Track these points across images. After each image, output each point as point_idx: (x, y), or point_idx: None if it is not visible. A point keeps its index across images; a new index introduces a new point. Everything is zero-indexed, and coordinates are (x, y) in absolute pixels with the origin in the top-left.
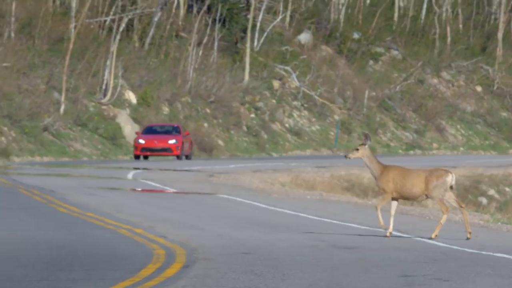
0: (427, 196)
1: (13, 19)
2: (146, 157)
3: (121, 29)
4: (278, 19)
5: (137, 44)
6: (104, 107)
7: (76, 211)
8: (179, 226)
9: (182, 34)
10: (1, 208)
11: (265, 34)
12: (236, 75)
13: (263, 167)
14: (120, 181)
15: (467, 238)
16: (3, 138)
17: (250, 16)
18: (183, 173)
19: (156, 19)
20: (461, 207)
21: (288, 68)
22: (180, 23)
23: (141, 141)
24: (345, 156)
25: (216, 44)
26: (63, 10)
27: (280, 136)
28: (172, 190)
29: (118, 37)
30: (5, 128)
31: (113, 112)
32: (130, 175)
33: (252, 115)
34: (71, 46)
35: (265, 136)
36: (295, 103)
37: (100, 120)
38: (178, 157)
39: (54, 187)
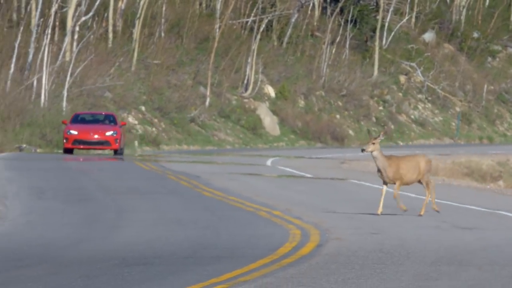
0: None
1: (163, 20)
2: (70, 151)
3: (261, 29)
4: (405, 20)
5: (275, 43)
6: (245, 100)
7: (220, 194)
8: (313, 209)
9: (317, 33)
10: (152, 192)
11: (392, 33)
12: (366, 71)
13: None
14: (259, 168)
15: (419, 215)
16: (154, 129)
17: (379, 17)
18: (317, 160)
19: (293, 20)
20: (429, 189)
21: (413, 64)
22: (315, 23)
23: (73, 131)
24: (362, 150)
25: (347, 42)
26: (209, 12)
27: (406, 126)
28: (307, 175)
29: (258, 36)
30: (156, 120)
31: (254, 105)
32: (269, 162)
33: (380, 107)
34: (215, 44)
35: (392, 126)
36: (419, 96)
37: (241, 112)
38: (116, 151)
39: (199, 173)
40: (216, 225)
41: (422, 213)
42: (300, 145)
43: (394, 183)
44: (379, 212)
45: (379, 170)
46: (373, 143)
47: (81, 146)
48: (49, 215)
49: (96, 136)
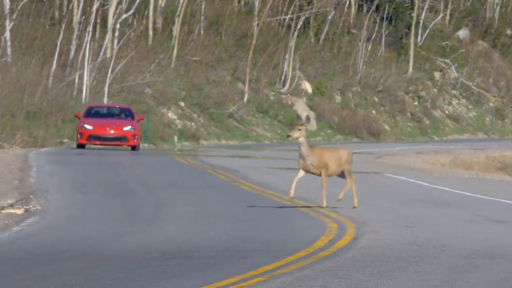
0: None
1: (202, 17)
2: (84, 147)
3: (298, 26)
4: (439, 17)
5: (312, 40)
6: (283, 96)
7: (257, 188)
8: (350, 202)
9: (353, 30)
10: (191, 187)
11: (427, 30)
12: (401, 67)
13: (425, 149)
14: (296, 162)
15: (354, 207)
16: (193, 124)
17: (414, 14)
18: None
19: (330, 17)
20: (351, 178)
21: (447, 60)
22: (351, 21)
23: (88, 126)
24: (287, 136)
25: (383, 39)
26: (247, 9)
27: (440, 121)
28: None
29: (296, 33)
30: (195, 115)
31: (291, 100)
32: None
33: (416, 103)
34: (254, 41)
35: (427, 122)
36: (454, 92)
37: (279, 107)
38: (134, 148)
39: (238, 167)
40: (254, 219)
41: (340, 197)
42: (336, 140)
43: (316, 173)
44: (291, 195)
45: (301, 157)
46: (299, 129)
47: (97, 142)
48: (89, 209)
49: (112, 132)
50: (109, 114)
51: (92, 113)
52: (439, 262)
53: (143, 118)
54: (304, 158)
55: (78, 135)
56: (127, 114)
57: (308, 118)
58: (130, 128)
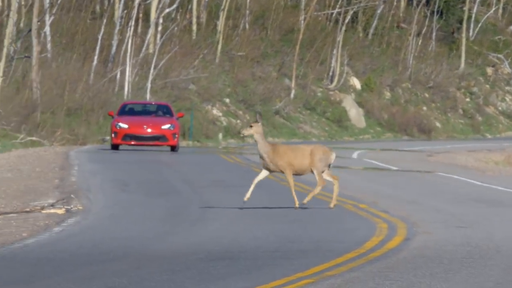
0: (311, 170)
1: (247, 12)
2: (118, 147)
3: (346, 20)
4: (492, 11)
5: (361, 34)
6: (330, 92)
7: (306, 188)
8: (400, 202)
9: (403, 25)
10: (237, 185)
11: (479, 25)
12: (452, 63)
13: (478, 147)
14: (346, 160)
15: (329, 207)
16: (238, 121)
17: (466, 8)
18: (403, 153)
19: (379, 11)
20: (335, 179)
21: (500, 56)
22: (400, 15)
23: (123, 125)
24: (239, 133)
25: (434, 34)
26: (294, 4)
27: (493, 118)
28: (394, 168)
29: (343, 28)
30: (240, 112)
31: (339, 97)
32: (355, 154)
33: (467, 99)
34: (300, 36)
35: (480, 119)
36: (507, 88)
37: (327, 104)
38: (174, 148)
39: None
40: (302, 219)
41: (305, 201)
42: (386, 137)
43: (280, 171)
44: (245, 199)
45: (261, 156)
46: (251, 126)
47: (132, 142)
48: (132, 208)
49: (150, 130)
50: (146, 111)
51: (126, 111)
52: (494, 264)
53: (182, 116)
54: (262, 157)
55: (112, 135)
56: (165, 111)
57: (259, 115)
58: (170, 127)
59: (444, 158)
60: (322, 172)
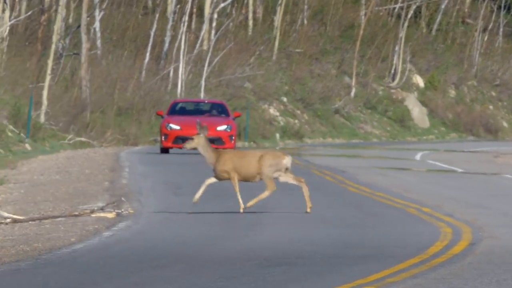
0: (260, 177)
1: (306, 6)
2: (166, 150)
3: (409, 15)
4: None
5: (424, 30)
6: (392, 90)
7: (366, 190)
8: (465, 205)
9: (468, 20)
10: (294, 188)
11: None
12: None
13: None
14: (408, 162)
15: (306, 212)
16: (296, 121)
17: None
18: (469, 154)
19: (443, 6)
20: (301, 182)
21: None
22: (466, 9)
23: (174, 126)
24: (182, 147)
25: (501, 29)
26: None
27: None
28: (459, 170)
29: (406, 23)
30: (298, 111)
31: (401, 95)
32: (418, 156)
33: None
34: (361, 32)
35: None
36: None
37: (388, 103)
38: None
39: (345, 167)
40: (362, 223)
41: (248, 205)
42: (450, 138)
43: (227, 179)
44: (194, 200)
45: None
46: (192, 139)
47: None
48: (185, 212)
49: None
50: (198, 110)
51: (177, 110)
52: None
53: (239, 115)
54: (210, 166)
55: (162, 137)
56: (220, 110)
57: (201, 127)
58: (226, 128)
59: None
60: (275, 178)
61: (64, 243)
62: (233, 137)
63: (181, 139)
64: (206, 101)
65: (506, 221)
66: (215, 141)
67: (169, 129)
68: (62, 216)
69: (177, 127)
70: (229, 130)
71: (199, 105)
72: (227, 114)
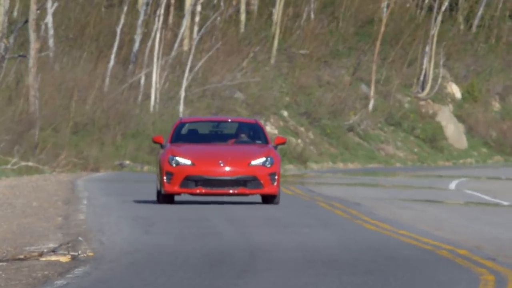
0: None
1: None
2: (171, 198)
3: (443, 8)
4: None
5: (462, 27)
6: (422, 102)
7: (387, 228)
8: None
9: None
10: (297, 225)
11: None
12: None
13: None
14: (440, 192)
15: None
16: (299, 141)
17: None
18: None
19: None
20: None
21: None
22: None
23: (183, 160)
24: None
25: None
26: None
27: None
28: (505, 203)
29: (439, 18)
30: (302, 129)
31: (433, 108)
32: (452, 184)
33: None
34: (382, 29)
35: None
36: None
37: (416, 118)
38: (274, 198)
39: (360, 199)
40: (382, 269)
41: None
42: (494, 161)
43: None
44: None
45: None
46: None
47: (202, 190)
48: (159, 255)
49: (229, 169)
50: (218, 135)
51: (186, 135)
52: None
53: (284, 142)
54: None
55: (164, 177)
56: (252, 134)
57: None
58: (264, 162)
59: None
60: None
61: None
62: (276, 176)
63: (194, 181)
64: (229, 120)
65: None
66: (247, 183)
67: (175, 165)
68: (3, 261)
69: (188, 162)
70: (269, 166)
71: (219, 127)
72: (265, 141)
